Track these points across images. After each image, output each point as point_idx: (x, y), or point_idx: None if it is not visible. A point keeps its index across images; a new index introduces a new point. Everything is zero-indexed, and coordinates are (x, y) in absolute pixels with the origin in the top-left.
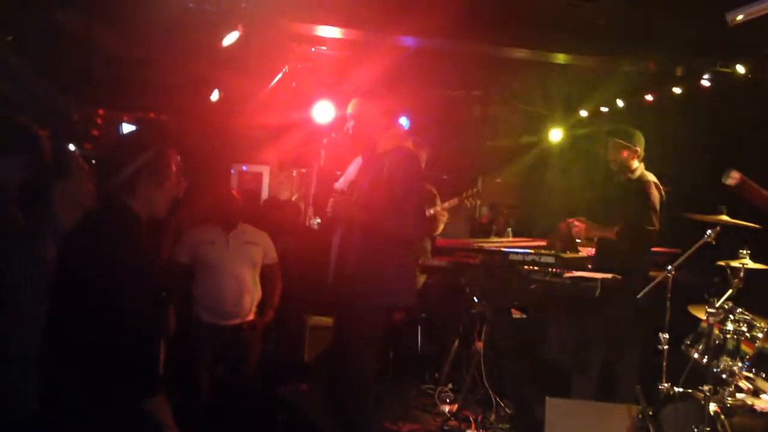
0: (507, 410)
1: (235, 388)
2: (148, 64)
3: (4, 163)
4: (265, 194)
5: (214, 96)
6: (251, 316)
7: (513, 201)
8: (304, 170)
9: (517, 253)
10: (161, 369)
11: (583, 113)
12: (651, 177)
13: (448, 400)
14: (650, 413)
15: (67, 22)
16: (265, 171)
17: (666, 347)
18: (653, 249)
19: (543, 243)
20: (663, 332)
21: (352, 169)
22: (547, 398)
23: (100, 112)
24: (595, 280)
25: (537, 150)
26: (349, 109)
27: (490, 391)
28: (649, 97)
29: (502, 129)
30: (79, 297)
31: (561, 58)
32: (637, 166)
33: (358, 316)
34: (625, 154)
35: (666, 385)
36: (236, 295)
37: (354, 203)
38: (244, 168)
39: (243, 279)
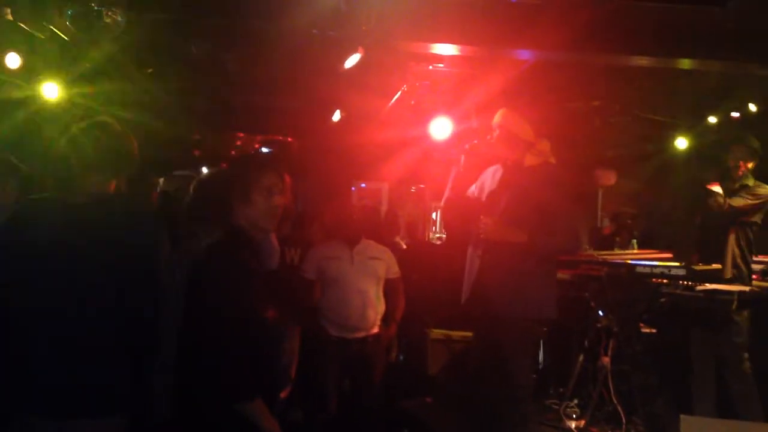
0: (637, 428)
1: (361, 400)
2: (277, 89)
3: None
4: (384, 210)
5: (336, 116)
6: (376, 330)
7: (636, 212)
8: (422, 186)
9: (644, 265)
10: (265, 378)
11: (712, 120)
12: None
13: (574, 416)
14: None
15: (202, 53)
16: (384, 187)
17: None
18: None
19: (669, 255)
20: None
21: (488, 177)
22: (681, 416)
23: (240, 135)
24: (731, 292)
25: (661, 159)
26: (497, 119)
27: (619, 407)
28: None
29: (623, 139)
30: (193, 310)
31: (686, 63)
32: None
33: (511, 331)
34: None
35: None
36: (360, 309)
37: (505, 223)
38: (363, 185)
39: (367, 293)
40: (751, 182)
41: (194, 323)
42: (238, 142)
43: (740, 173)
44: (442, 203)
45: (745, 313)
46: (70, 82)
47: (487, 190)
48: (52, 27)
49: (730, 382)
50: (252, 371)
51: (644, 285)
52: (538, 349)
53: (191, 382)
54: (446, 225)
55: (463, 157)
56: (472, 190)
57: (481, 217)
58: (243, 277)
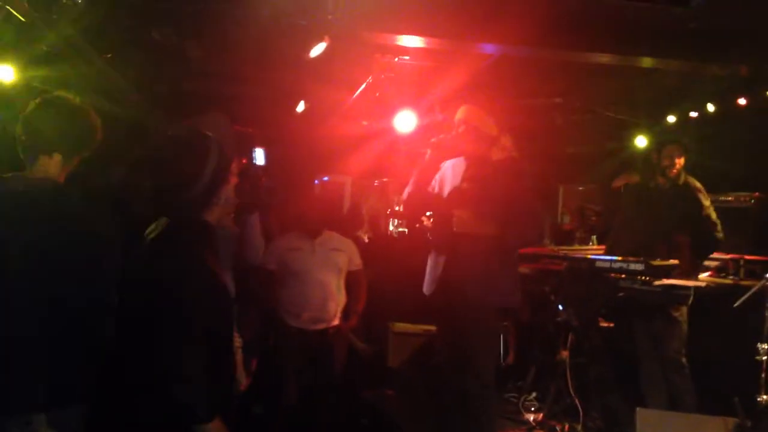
0: (595, 421)
1: (321, 392)
2: (241, 78)
3: None
4: (347, 203)
5: (300, 107)
6: (336, 322)
7: (600, 209)
8: (386, 180)
9: (604, 260)
10: (224, 391)
11: (671, 119)
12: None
13: (532, 409)
14: (748, 426)
15: (162, 39)
16: (348, 181)
17: (765, 358)
18: (747, 257)
19: None
20: (762, 342)
21: (449, 170)
22: (637, 409)
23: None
24: (687, 288)
25: (621, 157)
26: (459, 115)
27: (577, 401)
28: (742, 101)
29: (584, 137)
30: (138, 314)
31: (647, 62)
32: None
33: (476, 319)
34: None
35: (765, 397)
36: (321, 301)
37: (477, 216)
38: (326, 179)
39: (328, 285)
40: (682, 179)
41: (140, 331)
42: None
43: (675, 171)
44: (403, 197)
45: (685, 308)
46: (26, 64)
47: (448, 184)
48: (8, 7)
49: (668, 374)
50: (213, 387)
51: (603, 280)
52: (500, 340)
53: (139, 400)
54: (408, 218)
55: (429, 151)
56: (433, 185)
57: (455, 211)
58: (207, 280)
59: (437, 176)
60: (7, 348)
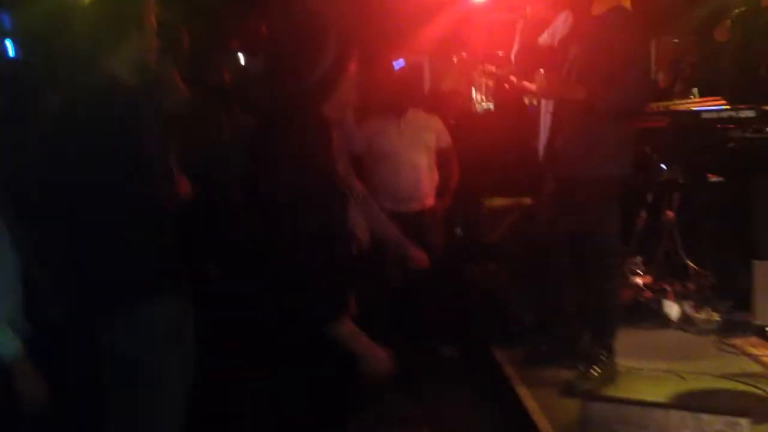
0: (707, 278)
1: (422, 273)
2: None
3: None
4: (427, 83)
5: None
6: (430, 201)
7: (696, 60)
8: (464, 54)
9: (709, 110)
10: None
11: None
12: None
13: (639, 272)
14: None
15: None
16: (425, 60)
17: None
18: None
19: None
20: None
21: (560, 24)
22: (755, 262)
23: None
24: None
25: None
26: None
27: (687, 261)
28: None
29: None
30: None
31: None
32: None
33: (587, 189)
34: None
35: None
36: (413, 182)
37: (567, 79)
38: (402, 61)
39: (418, 165)
40: None
41: (253, 229)
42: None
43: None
44: (512, 57)
45: None
46: None
47: (558, 38)
48: None
49: None
50: (336, 285)
51: (710, 131)
52: (616, 206)
53: (258, 302)
54: (518, 77)
55: (528, 8)
56: (544, 38)
57: (539, 71)
58: (320, 177)
59: (548, 30)
60: (66, 250)
